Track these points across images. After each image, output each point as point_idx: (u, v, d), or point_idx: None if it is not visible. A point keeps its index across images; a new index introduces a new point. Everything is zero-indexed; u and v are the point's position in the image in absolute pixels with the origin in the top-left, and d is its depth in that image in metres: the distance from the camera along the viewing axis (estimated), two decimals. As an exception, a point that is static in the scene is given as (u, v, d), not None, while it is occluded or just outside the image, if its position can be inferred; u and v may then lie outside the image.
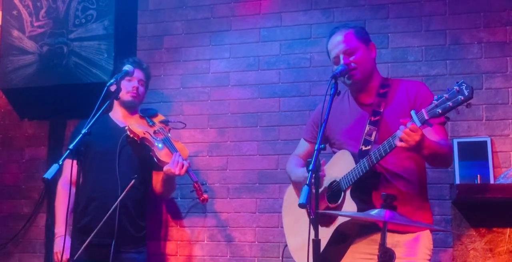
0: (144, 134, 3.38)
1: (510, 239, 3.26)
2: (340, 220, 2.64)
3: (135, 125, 3.41)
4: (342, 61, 2.74)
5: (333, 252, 2.71)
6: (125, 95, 3.42)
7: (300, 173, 2.85)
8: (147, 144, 3.39)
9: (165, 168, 3.33)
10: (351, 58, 2.75)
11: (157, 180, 3.53)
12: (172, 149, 3.38)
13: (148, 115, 3.52)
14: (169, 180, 3.42)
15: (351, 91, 2.90)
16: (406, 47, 3.65)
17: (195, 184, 3.32)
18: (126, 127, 3.42)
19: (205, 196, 3.34)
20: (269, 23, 3.93)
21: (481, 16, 3.55)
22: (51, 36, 4.06)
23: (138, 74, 3.46)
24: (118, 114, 3.53)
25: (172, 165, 3.29)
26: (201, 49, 4.04)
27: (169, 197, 3.61)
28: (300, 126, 3.73)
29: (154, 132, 3.43)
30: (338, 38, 2.80)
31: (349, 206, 2.61)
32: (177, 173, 3.29)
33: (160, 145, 3.39)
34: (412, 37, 3.65)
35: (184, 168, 3.30)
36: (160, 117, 3.56)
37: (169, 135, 3.48)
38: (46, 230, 4.11)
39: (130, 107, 3.52)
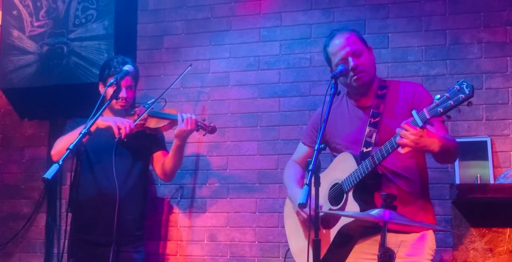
0: (134, 121, 3.39)
1: (510, 239, 3.26)
2: (342, 222, 2.64)
3: None
4: (351, 63, 2.72)
5: (337, 254, 2.71)
6: (114, 104, 3.39)
7: (295, 195, 2.85)
8: (140, 128, 3.40)
9: (176, 131, 3.34)
10: (359, 61, 2.75)
11: (155, 162, 3.53)
12: (161, 115, 3.42)
13: (125, 111, 3.50)
14: (181, 146, 3.40)
15: (351, 95, 2.90)
16: (406, 47, 3.65)
17: (199, 123, 3.38)
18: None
19: (212, 125, 3.42)
20: (269, 23, 3.93)
21: (481, 16, 3.55)
22: (51, 36, 4.06)
23: (125, 81, 3.36)
24: (109, 116, 3.50)
25: (182, 124, 3.32)
26: (201, 49, 4.04)
27: (175, 174, 3.56)
28: (300, 126, 3.73)
29: (138, 116, 3.43)
30: (341, 40, 2.78)
31: (352, 207, 2.61)
32: (189, 128, 3.33)
33: (148, 118, 3.41)
34: (412, 37, 3.65)
35: (194, 121, 3.34)
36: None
37: (154, 109, 3.47)
38: (46, 230, 4.11)
39: (119, 115, 3.47)
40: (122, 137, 3.19)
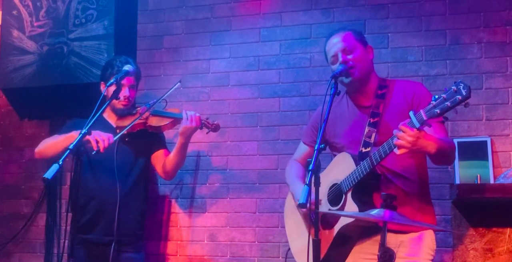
0: (132, 121, 3.40)
1: (510, 239, 3.26)
2: (341, 223, 2.64)
3: (121, 122, 3.43)
4: (340, 59, 2.74)
5: (337, 254, 2.71)
6: (116, 103, 3.40)
7: (298, 189, 2.84)
8: (142, 127, 3.41)
9: (181, 129, 3.36)
10: (349, 57, 2.75)
11: (156, 161, 3.54)
12: (163, 114, 3.44)
13: (128, 110, 3.51)
14: (185, 144, 3.41)
15: (349, 93, 2.90)
16: (406, 47, 3.65)
17: (202, 121, 3.40)
18: (116, 128, 3.41)
19: (216, 123, 3.44)
20: (269, 23, 3.93)
21: (481, 16, 3.55)
22: (51, 36, 4.06)
23: (128, 80, 3.40)
24: (111, 116, 3.51)
25: (187, 122, 3.34)
26: (201, 49, 4.04)
27: (176, 173, 3.57)
28: (300, 126, 3.73)
29: (140, 114, 3.43)
30: (336, 39, 2.82)
31: (351, 208, 2.61)
32: (194, 125, 3.34)
33: (149, 117, 3.43)
34: (412, 37, 3.65)
35: (198, 118, 3.36)
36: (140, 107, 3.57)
37: (156, 108, 3.48)
38: (46, 230, 4.11)
39: (121, 114, 3.49)
40: (101, 150, 3.16)
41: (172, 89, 3.48)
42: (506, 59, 3.48)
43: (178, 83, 3.49)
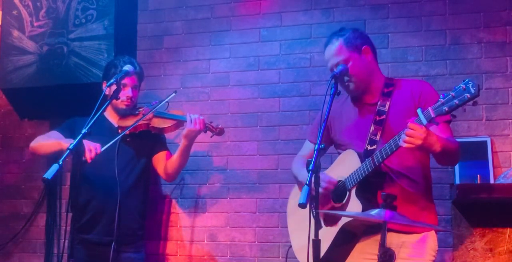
0: (135, 122, 3.39)
1: (510, 239, 3.27)
2: (344, 220, 2.64)
3: (123, 122, 3.43)
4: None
5: (338, 252, 2.71)
6: (119, 103, 3.41)
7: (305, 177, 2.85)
8: (145, 128, 3.42)
9: (184, 132, 3.35)
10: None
11: (158, 162, 3.54)
12: (167, 115, 3.44)
13: (130, 110, 3.51)
14: (188, 147, 3.41)
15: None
16: (406, 47, 3.65)
17: (206, 125, 3.40)
18: (118, 128, 3.41)
19: (220, 127, 3.44)
20: (269, 23, 3.94)
21: (481, 16, 3.55)
22: (51, 36, 4.06)
23: (131, 80, 3.42)
24: (113, 116, 3.52)
25: (191, 125, 3.33)
26: (201, 49, 4.05)
27: (178, 174, 3.57)
28: (300, 126, 3.74)
29: (143, 115, 3.43)
30: (327, 52, 2.83)
31: (354, 205, 2.62)
32: (198, 128, 3.34)
33: (153, 118, 3.43)
34: (412, 37, 3.65)
35: (202, 121, 3.35)
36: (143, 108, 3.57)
37: (159, 109, 3.47)
38: (46, 230, 4.11)
39: (123, 114, 3.49)
40: (88, 160, 3.09)
41: (167, 100, 3.46)
42: (506, 59, 3.49)
43: (173, 94, 3.47)
